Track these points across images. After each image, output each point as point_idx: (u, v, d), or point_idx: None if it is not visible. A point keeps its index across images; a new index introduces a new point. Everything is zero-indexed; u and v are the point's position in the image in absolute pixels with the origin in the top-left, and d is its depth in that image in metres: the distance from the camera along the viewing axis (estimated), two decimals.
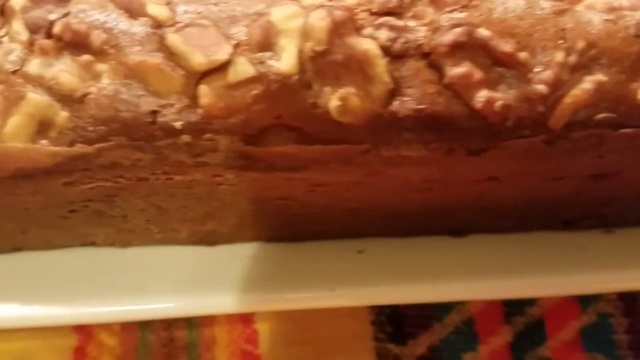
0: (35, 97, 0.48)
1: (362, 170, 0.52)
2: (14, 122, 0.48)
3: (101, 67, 0.48)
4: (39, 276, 0.58)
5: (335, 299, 0.59)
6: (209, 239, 0.62)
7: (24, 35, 0.50)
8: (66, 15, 0.49)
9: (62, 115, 0.48)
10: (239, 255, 0.61)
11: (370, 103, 0.48)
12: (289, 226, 0.61)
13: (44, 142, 0.49)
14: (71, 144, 0.48)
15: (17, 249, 0.60)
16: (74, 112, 0.48)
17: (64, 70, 0.48)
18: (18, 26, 0.51)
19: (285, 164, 0.51)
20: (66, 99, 0.48)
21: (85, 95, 0.48)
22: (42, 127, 0.48)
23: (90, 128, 0.48)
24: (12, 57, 0.49)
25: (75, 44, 0.48)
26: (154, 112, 0.48)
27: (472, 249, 0.63)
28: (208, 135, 0.49)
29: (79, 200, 0.54)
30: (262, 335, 0.71)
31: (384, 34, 0.48)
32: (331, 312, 0.70)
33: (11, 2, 0.51)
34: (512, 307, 0.72)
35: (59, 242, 0.60)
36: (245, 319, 0.71)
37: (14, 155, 0.48)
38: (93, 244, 0.60)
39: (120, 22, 0.49)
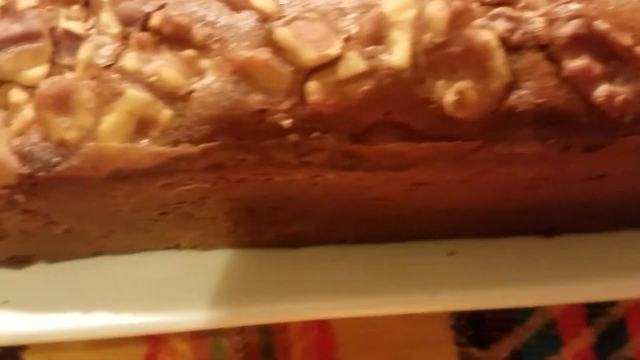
0: (136, 94, 0.45)
1: (470, 169, 0.49)
2: (111, 120, 0.46)
3: (205, 63, 0.46)
4: (121, 281, 0.56)
5: (430, 304, 0.57)
6: (294, 242, 0.59)
7: (114, 28, 0.48)
8: (162, 7, 0.47)
9: (166, 113, 0.45)
10: (324, 259, 0.59)
11: (487, 97, 0.46)
12: (378, 227, 0.58)
13: (145, 141, 0.46)
14: (175, 143, 0.46)
15: (96, 253, 0.57)
16: (177, 111, 0.46)
17: (166, 66, 0.46)
18: (107, 18, 0.48)
19: (391, 162, 0.48)
20: (169, 96, 0.45)
21: (190, 92, 0.45)
22: (142, 125, 0.46)
23: (195, 127, 0.46)
24: (104, 52, 0.47)
25: (175, 38, 0.46)
26: (262, 111, 0.45)
27: (561, 249, 0.61)
28: (316, 134, 0.46)
29: (173, 202, 0.51)
30: (340, 340, 0.68)
31: (501, 25, 0.46)
32: (409, 316, 0.67)
33: None
34: (593, 308, 0.70)
35: (142, 246, 0.57)
36: (321, 323, 0.69)
37: (112, 155, 0.46)
38: (177, 247, 0.58)
39: (222, 15, 0.46)
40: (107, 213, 0.51)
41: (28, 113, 0.47)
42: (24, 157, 0.46)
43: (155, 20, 0.46)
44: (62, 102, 0.45)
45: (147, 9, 0.47)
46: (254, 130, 0.46)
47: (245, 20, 0.46)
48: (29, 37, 0.47)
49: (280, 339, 0.69)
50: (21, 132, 0.46)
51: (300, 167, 0.48)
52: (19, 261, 0.56)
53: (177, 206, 0.52)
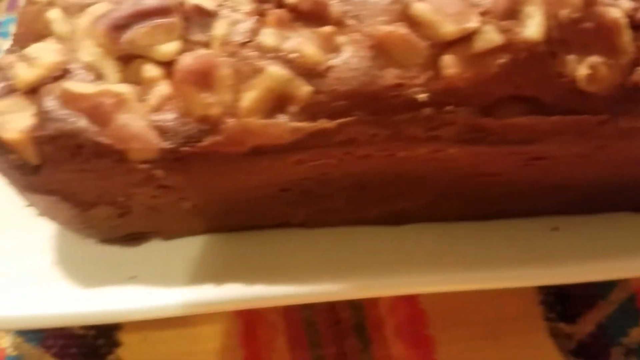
0: (276, 71, 0.46)
1: (593, 143, 0.50)
2: (252, 96, 0.46)
3: (341, 39, 0.47)
4: (240, 257, 0.56)
5: (531, 278, 0.58)
6: (397, 219, 0.60)
7: (246, 5, 0.48)
8: None
9: (305, 89, 0.46)
10: (428, 235, 0.60)
11: (616, 72, 0.47)
12: (483, 204, 0.59)
13: (283, 117, 0.47)
14: (312, 119, 0.47)
15: (212, 230, 0.58)
16: (315, 87, 0.46)
17: (306, 43, 0.46)
18: None
19: (518, 136, 0.49)
20: (308, 72, 0.46)
21: (328, 68, 0.46)
22: (281, 102, 0.47)
23: (332, 103, 0.46)
24: (240, 28, 0.48)
25: (312, 14, 0.47)
26: (398, 85, 0.46)
27: None
28: (449, 108, 0.47)
29: (298, 178, 0.52)
30: (430, 315, 0.69)
31: (626, 4, 0.47)
32: (497, 291, 0.68)
33: None
34: None
35: (255, 223, 0.58)
36: (411, 299, 0.70)
37: (254, 131, 0.46)
38: (286, 224, 0.59)
39: None
40: (237, 188, 0.52)
41: (164, 89, 0.47)
42: (164, 132, 0.46)
43: None
44: (204, 78, 0.46)
45: None
46: (389, 104, 0.46)
47: None
48: (162, 11, 0.47)
49: (371, 315, 0.70)
50: (158, 108, 0.47)
51: (427, 141, 0.49)
52: (135, 238, 0.56)
53: (300, 182, 0.53)
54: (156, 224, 0.55)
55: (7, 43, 1.01)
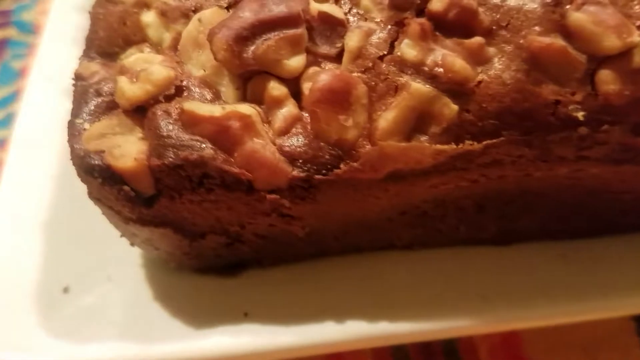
0: (421, 88, 0.41)
1: None
2: (391, 116, 0.41)
3: (491, 50, 0.42)
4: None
5: None
6: (511, 238, 0.56)
7: (379, 12, 0.43)
8: None
9: (451, 108, 0.41)
10: (541, 257, 0.55)
11: None
12: (603, 220, 0.55)
13: (423, 138, 0.42)
14: (457, 140, 0.42)
15: (317, 254, 0.52)
16: (462, 105, 0.41)
17: (454, 55, 0.41)
18: (369, 2, 0.44)
19: None
20: (455, 88, 0.41)
21: (478, 84, 0.41)
22: (422, 121, 0.42)
23: (480, 122, 0.42)
24: (375, 40, 0.42)
25: (459, 23, 0.42)
26: (556, 102, 0.42)
27: None
28: (605, 127, 0.43)
29: (420, 201, 0.47)
30: (525, 338, 0.66)
31: None
32: None
33: None
34: None
35: (360, 246, 0.53)
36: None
37: (393, 155, 0.41)
38: (390, 246, 0.54)
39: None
40: (357, 214, 0.47)
41: (291, 109, 0.42)
42: (294, 158, 0.41)
43: (438, 4, 0.41)
44: (341, 99, 0.41)
45: None
46: (544, 123, 0.42)
47: (533, 3, 0.42)
48: (288, 20, 0.42)
49: (464, 340, 0.65)
50: (285, 131, 0.42)
51: (574, 162, 0.45)
52: (235, 267, 0.51)
53: (419, 205, 0.48)
54: (261, 252, 0.50)
55: (28, 36, 0.94)
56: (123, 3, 0.49)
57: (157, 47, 0.46)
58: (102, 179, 0.40)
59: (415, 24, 0.41)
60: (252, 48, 0.41)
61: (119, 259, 0.51)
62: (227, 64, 0.41)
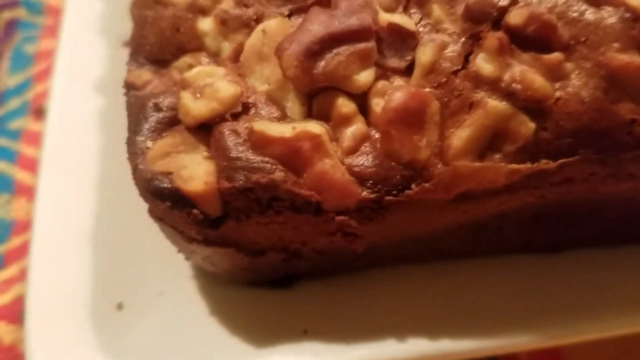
0: (497, 105, 0.40)
1: None
2: (465, 135, 0.40)
3: (569, 66, 0.40)
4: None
5: None
6: (559, 246, 0.55)
7: (452, 24, 0.41)
8: (515, 3, 0.41)
9: (528, 126, 0.40)
10: (592, 263, 0.54)
11: None
12: None
13: (497, 156, 0.41)
14: (532, 159, 0.41)
15: (370, 266, 0.51)
16: (539, 122, 0.40)
17: (532, 72, 0.40)
18: (441, 12, 0.42)
19: None
20: (532, 106, 0.40)
21: (556, 101, 0.40)
22: (497, 139, 0.40)
23: (556, 141, 0.40)
24: (449, 53, 0.41)
25: (538, 38, 0.40)
26: (632, 121, 0.40)
27: None
28: None
29: (484, 216, 0.46)
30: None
31: None
32: None
33: None
34: None
35: (415, 257, 0.52)
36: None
37: (466, 175, 0.40)
38: (443, 256, 0.53)
39: (586, 11, 0.40)
40: (420, 229, 0.46)
41: (360, 127, 0.40)
42: (364, 179, 0.40)
43: (516, 18, 0.40)
44: (416, 118, 0.39)
45: (503, 2, 0.41)
46: (620, 141, 0.41)
47: (612, 18, 0.40)
48: (359, 33, 0.40)
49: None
50: (354, 149, 0.40)
51: None
52: (288, 280, 0.50)
53: (481, 219, 0.47)
54: (316, 266, 0.48)
55: (38, 17, 0.90)
56: (174, 5, 0.46)
57: (215, 57, 0.44)
58: (171, 202, 0.38)
59: (493, 38, 0.40)
60: (322, 64, 0.39)
61: (170, 273, 0.50)
62: (296, 80, 0.40)
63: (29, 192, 0.73)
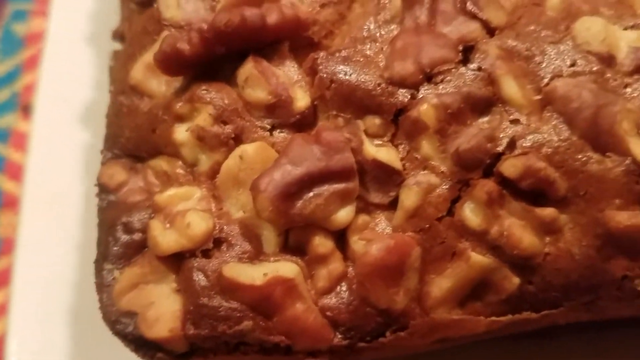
0: (481, 260, 0.37)
1: None
2: (445, 286, 0.38)
3: (563, 218, 0.38)
4: None
5: None
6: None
7: (441, 162, 0.38)
8: (514, 146, 0.37)
9: (514, 281, 0.38)
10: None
11: None
12: None
13: (477, 304, 0.39)
14: (514, 311, 0.39)
15: None
16: (525, 277, 0.38)
17: (521, 227, 0.37)
18: (431, 149, 0.39)
19: None
20: (518, 261, 0.38)
21: (545, 257, 0.38)
22: (479, 290, 0.39)
23: (541, 295, 0.38)
24: (435, 197, 0.38)
25: (532, 191, 0.37)
26: (623, 277, 0.38)
27: None
28: None
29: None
30: None
31: None
32: None
33: (421, 112, 0.38)
34: None
35: None
36: None
37: (444, 326, 0.38)
38: None
39: (590, 160, 0.37)
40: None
41: (337, 266, 0.38)
42: (338, 324, 0.38)
43: (510, 170, 0.37)
44: (395, 271, 0.37)
45: (497, 148, 0.38)
46: (608, 295, 0.39)
47: (616, 169, 0.37)
48: (342, 173, 0.37)
49: None
50: (330, 290, 0.38)
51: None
52: None
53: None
54: None
55: None
56: (150, 98, 0.43)
57: (192, 168, 0.41)
58: (135, 346, 0.37)
59: (482, 190, 0.37)
60: (299, 205, 0.37)
61: None
62: (271, 221, 0.37)
63: (15, 205, 0.72)
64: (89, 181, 0.57)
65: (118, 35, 0.51)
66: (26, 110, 0.78)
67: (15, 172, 0.74)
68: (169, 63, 0.41)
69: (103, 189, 0.42)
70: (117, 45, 0.52)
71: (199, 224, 0.38)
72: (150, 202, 0.41)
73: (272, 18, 0.41)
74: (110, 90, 0.47)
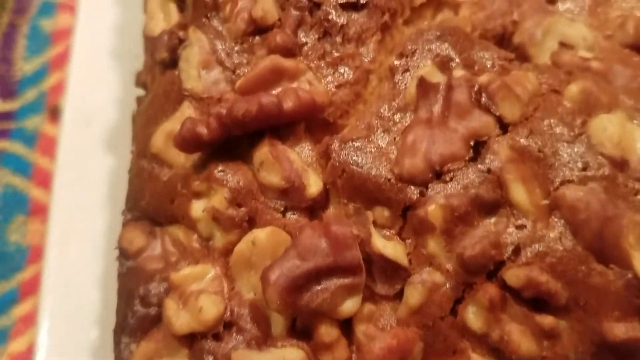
0: None
1: None
2: None
3: (562, 324, 0.39)
4: None
5: None
6: None
7: (444, 259, 0.39)
8: (516, 258, 0.38)
9: None
10: None
11: None
12: None
13: None
14: None
15: None
16: None
17: (521, 332, 0.38)
18: (436, 248, 0.40)
19: None
20: None
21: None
22: None
23: None
24: (438, 297, 0.39)
25: (534, 298, 0.38)
26: None
27: None
28: None
29: None
30: None
31: None
32: None
33: (429, 213, 0.39)
34: None
35: None
36: None
37: None
38: None
39: (592, 272, 0.38)
40: None
41: (342, 354, 0.40)
42: None
43: (513, 279, 0.38)
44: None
45: (501, 257, 0.39)
46: None
47: (618, 282, 0.38)
48: (350, 269, 0.39)
49: None
50: None
51: None
52: None
53: None
54: None
55: None
56: (170, 168, 0.45)
57: (207, 242, 0.43)
58: None
59: (485, 296, 0.38)
60: (307, 297, 0.39)
61: None
62: (279, 312, 0.39)
63: (43, 212, 0.75)
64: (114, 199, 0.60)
65: (140, 83, 0.52)
66: (54, 113, 0.79)
67: (43, 179, 0.77)
68: (188, 145, 0.42)
69: (123, 253, 0.45)
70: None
71: (210, 309, 0.40)
72: (167, 273, 0.43)
73: (289, 104, 0.41)
74: (132, 150, 0.48)
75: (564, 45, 0.47)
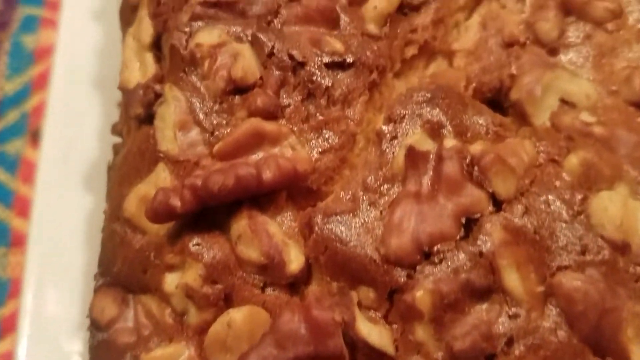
0: None
1: None
2: None
3: None
4: None
5: None
6: None
7: (433, 348, 0.37)
8: (509, 347, 0.36)
9: None
10: None
11: None
12: None
13: None
14: None
15: None
16: None
17: None
18: (425, 336, 0.37)
19: None
20: None
21: None
22: None
23: None
24: None
25: None
26: None
27: None
28: None
29: None
30: None
31: None
32: None
33: (416, 299, 0.37)
34: None
35: None
36: None
37: None
38: None
39: None
40: None
41: None
42: None
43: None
44: None
45: (495, 349, 0.36)
46: None
47: None
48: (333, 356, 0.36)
49: None
50: None
51: None
52: None
53: None
54: None
55: None
56: (143, 235, 0.42)
57: (181, 317, 0.40)
58: None
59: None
60: None
61: None
62: None
63: (24, 243, 0.72)
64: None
65: (117, 132, 0.50)
66: (35, 136, 0.76)
67: (24, 208, 0.74)
68: (160, 217, 0.39)
69: (94, 324, 0.42)
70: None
71: None
72: (138, 349, 0.40)
73: (268, 175, 0.39)
74: (105, 211, 0.46)
75: (565, 102, 0.44)
